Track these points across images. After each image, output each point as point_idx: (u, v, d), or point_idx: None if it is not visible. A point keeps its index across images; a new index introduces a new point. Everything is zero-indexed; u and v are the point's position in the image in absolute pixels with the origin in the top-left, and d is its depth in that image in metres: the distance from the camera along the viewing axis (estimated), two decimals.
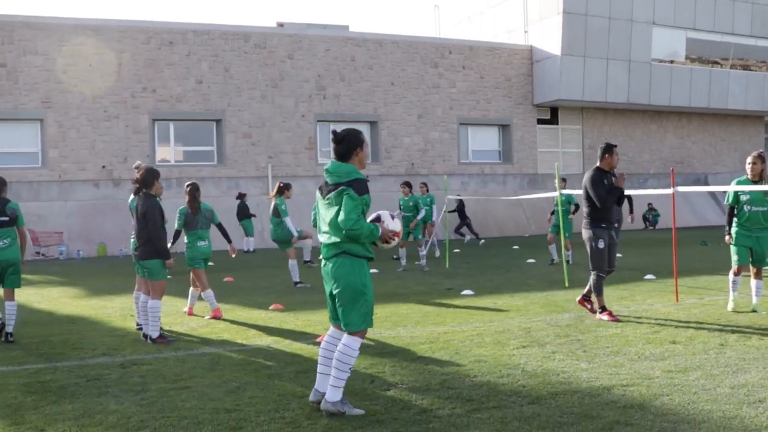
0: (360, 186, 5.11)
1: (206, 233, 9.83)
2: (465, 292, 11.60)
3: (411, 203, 15.74)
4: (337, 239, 5.17)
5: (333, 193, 5.15)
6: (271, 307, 10.45)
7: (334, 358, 5.17)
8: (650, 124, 34.44)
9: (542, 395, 5.61)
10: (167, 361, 7.09)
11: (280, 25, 29.24)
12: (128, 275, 14.76)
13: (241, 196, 23.26)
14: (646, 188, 33.16)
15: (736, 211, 9.22)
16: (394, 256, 18.83)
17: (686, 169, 35.14)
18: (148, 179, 8.09)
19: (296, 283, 13.00)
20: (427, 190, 19.01)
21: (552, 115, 33.21)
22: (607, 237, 8.94)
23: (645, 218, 31.81)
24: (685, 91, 32.98)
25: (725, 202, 9.52)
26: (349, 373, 5.17)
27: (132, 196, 8.99)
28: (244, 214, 23.01)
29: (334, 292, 5.22)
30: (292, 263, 13.06)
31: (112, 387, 6.09)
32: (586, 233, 9.03)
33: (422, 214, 15.61)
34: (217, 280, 14.43)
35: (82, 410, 5.41)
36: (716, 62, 34.01)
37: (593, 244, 8.89)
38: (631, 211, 16.57)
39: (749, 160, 9.17)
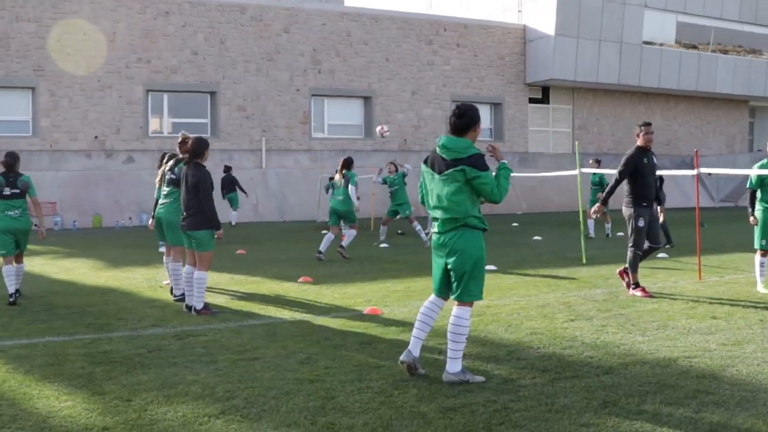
0: (480, 161, 5.20)
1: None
2: (488, 267, 11.64)
3: (396, 180, 16.32)
4: (455, 214, 5.25)
5: (452, 170, 5.19)
6: (300, 280, 10.44)
7: (449, 331, 5.30)
8: (639, 105, 34.74)
9: (613, 366, 5.72)
10: (222, 332, 7.07)
11: None
12: (137, 246, 14.70)
13: (227, 170, 22.73)
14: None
15: (759, 194, 9.40)
16: (399, 232, 18.87)
17: (672, 150, 35.55)
18: (199, 149, 8.01)
19: (319, 253, 13.04)
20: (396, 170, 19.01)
21: (543, 94, 33.34)
22: (648, 215, 9.03)
23: None
24: (675, 73, 33.28)
25: (747, 186, 9.71)
26: (465, 343, 5.31)
27: (166, 166, 8.99)
28: (229, 187, 22.40)
29: (451, 264, 5.29)
30: (351, 233, 13.24)
31: (178, 358, 6.06)
32: (627, 211, 9.13)
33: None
34: (229, 253, 14.39)
35: (159, 381, 5.38)
36: (705, 46, 34.33)
37: (635, 223, 8.97)
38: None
39: None
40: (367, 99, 29.56)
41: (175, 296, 8.81)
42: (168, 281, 9.61)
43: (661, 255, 13.25)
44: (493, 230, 19.65)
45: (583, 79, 31.62)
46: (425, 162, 5.48)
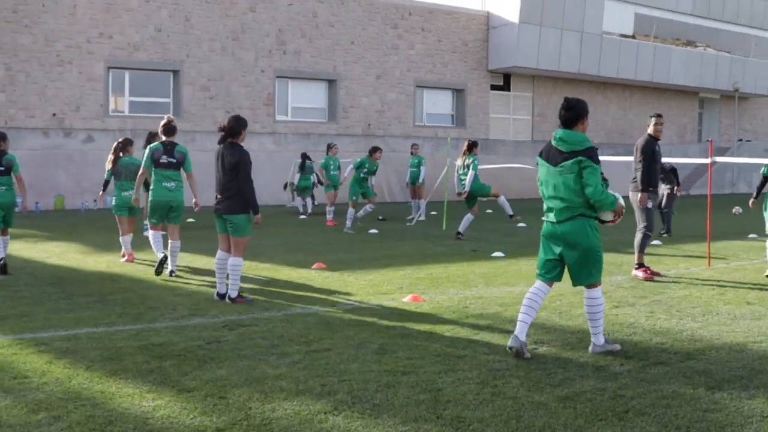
0: (595, 155, 5.48)
1: (131, 184, 10.40)
2: (496, 254, 11.60)
3: (375, 168, 16.54)
4: (571, 204, 5.50)
5: (569, 161, 5.46)
6: (314, 267, 10.14)
7: (586, 312, 5.67)
8: (596, 95, 35.22)
9: (690, 352, 5.76)
10: (271, 322, 6.75)
11: None
12: (114, 230, 14.18)
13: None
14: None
15: None
16: (380, 218, 18.66)
17: (627, 140, 36.21)
18: (237, 128, 7.64)
19: (511, 215, 14.40)
20: (418, 151, 19.00)
21: (504, 81, 33.46)
22: (654, 200, 9.72)
23: None
24: (632, 64, 33.85)
25: (761, 172, 10.15)
26: (603, 319, 5.67)
27: (159, 152, 9.22)
28: None
29: (570, 254, 5.54)
30: (469, 217, 13.75)
31: (244, 350, 5.74)
32: (634, 195, 9.56)
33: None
34: (213, 237, 13.93)
35: (241, 375, 5.07)
36: (660, 38, 35.02)
37: (644, 206, 9.40)
38: (678, 183, 15.44)
39: None
40: (331, 82, 29.11)
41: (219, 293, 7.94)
42: (126, 258, 10.61)
43: (655, 242, 13.41)
44: (477, 216, 19.77)
45: (545, 67, 31.85)
46: (540, 155, 5.75)
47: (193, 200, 9.61)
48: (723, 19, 36.55)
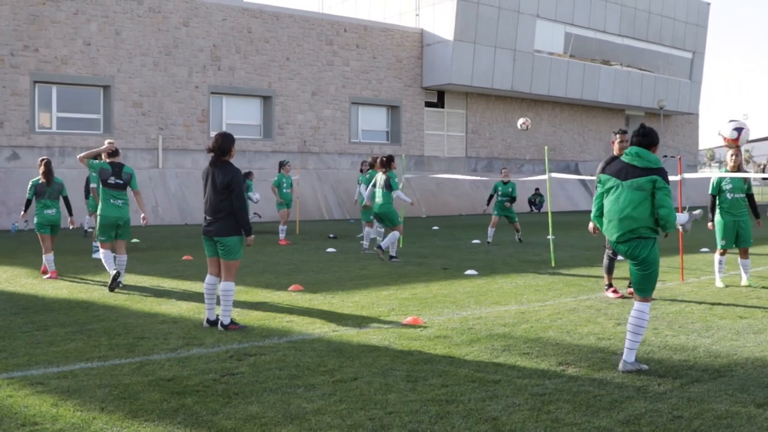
0: (667, 176, 5.68)
1: (55, 203, 11.10)
2: (469, 272, 11.47)
3: (291, 181, 16.39)
4: (636, 223, 5.62)
5: (643, 178, 5.60)
6: (290, 289, 9.75)
7: (630, 323, 5.67)
8: (527, 111, 35.92)
9: (717, 369, 5.76)
10: (277, 350, 6.37)
11: None
12: (56, 252, 13.41)
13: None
14: (523, 173, 34.67)
15: (718, 200, 10.07)
16: (330, 235, 18.31)
17: (557, 156, 37.06)
18: (226, 146, 7.21)
19: (392, 257, 12.99)
20: (369, 169, 18.70)
21: (439, 98, 33.74)
22: None
23: (531, 202, 33.18)
24: (562, 82, 34.71)
25: (710, 192, 10.23)
26: (642, 335, 5.70)
27: (106, 173, 9.93)
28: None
29: (635, 266, 5.73)
30: (395, 234, 12.89)
31: (265, 382, 5.35)
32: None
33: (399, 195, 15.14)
34: (172, 258, 13.37)
35: (278, 412, 4.69)
36: (589, 57, 36.05)
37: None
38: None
39: (730, 152, 9.98)
40: (266, 99, 28.66)
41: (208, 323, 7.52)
42: (48, 275, 10.77)
43: (621, 258, 13.56)
44: (421, 233, 19.70)
45: (479, 85, 32.26)
46: (604, 171, 5.88)
47: (142, 215, 10.24)
48: (648, 39, 37.99)
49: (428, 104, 33.30)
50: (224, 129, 27.98)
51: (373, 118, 32.28)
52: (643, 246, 5.64)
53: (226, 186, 7.08)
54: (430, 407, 4.75)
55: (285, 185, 17.22)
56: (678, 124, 43.17)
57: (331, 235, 18.32)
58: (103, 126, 24.76)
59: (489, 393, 5.06)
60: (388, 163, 13.11)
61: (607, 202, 5.78)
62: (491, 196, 17.15)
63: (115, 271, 9.51)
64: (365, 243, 14.87)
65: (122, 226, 10.02)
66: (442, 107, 33.90)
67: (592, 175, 34.57)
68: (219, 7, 26.83)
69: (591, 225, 7.71)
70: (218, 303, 7.51)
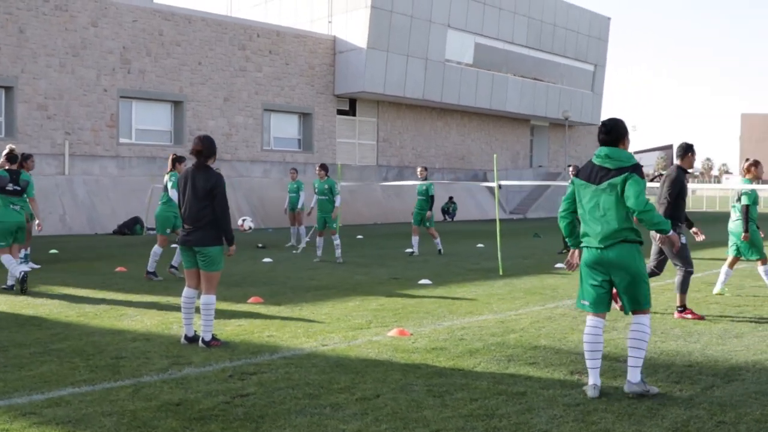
0: (641, 171, 5.24)
1: None
2: (423, 281, 11.38)
3: (326, 186, 14.63)
4: (617, 226, 5.19)
5: (617, 178, 5.17)
6: (250, 301, 9.36)
7: (632, 339, 5.24)
8: (437, 120, 36.38)
9: (725, 373, 5.93)
10: (274, 367, 6.02)
11: None
12: None
13: None
14: (433, 181, 34.94)
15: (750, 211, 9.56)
16: (259, 245, 17.80)
17: (466, 165, 37.70)
18: (211, 149, 6.80)
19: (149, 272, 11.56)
20: (296, 176, 18.40)
21: (350, 106, 33.64)
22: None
23: (444, 211, 33.50)
24: (472, 92, 35.35)
25: (746, 203, 9.59)
26: (645, 351, 5.28)
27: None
28: None
29: (619, 279, 5.23)
30: (157, 250, 11.35)
31: (286, 404, 5.02)
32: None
33: (338, 201, 14.75)
34: (105, 269, 12.62)
35: None
36: (499, 68, 36.89)
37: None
38: None
39: (749, 162, 9.83)
40: (177, 104, 27.71)
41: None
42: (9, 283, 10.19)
43: (558, 264, 13.85)
44: (352, 242, 19.47)
45: (392, 93, 32.38)
46: (576, 175, 5.48)
47: (36, 221, 10.79)
48: (553, 52, 39.28)
49: (340, 112, 33.14)
50: (133, 134, 26.87)
51: (285, 125, 31.82)
52: (629, 252, 5.18)
53: (209, 191, 6.68)
54: (475, 423, 4.59)
55: None
56: (580, 135, 44.87)
57: (260, 245, 17.84)
58: (5, 130, 23.20)
59: (523, 406, 4.95)
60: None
61: (584, 207, 5.33)
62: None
63: (22, 273, 9.80)
64: (338, 252, 14.47)
65: (20, 230, 10.30)
66: (354, 115, 33.82)
67: (500, 186, 35.43)
68: (129, 7, 25.73)
69: (570, 256, 5.75)
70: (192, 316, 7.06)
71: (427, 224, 15.98)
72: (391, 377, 5.70)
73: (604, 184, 5.21)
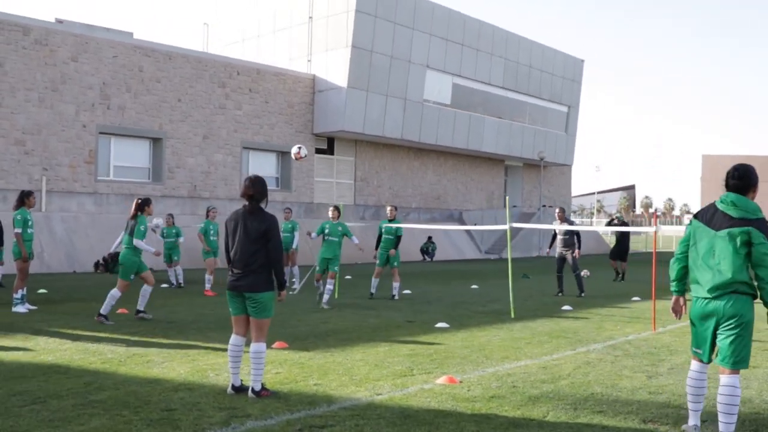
0: (766, 228, 5.00)
1: None
2: (440, 324, 11.20)
3: (339, 228, 14.13)
4: (730, 277, 4.99)
5: (737, 229, 5.00)
6: (274, 346, 9.05)
7: (722, 403, 5.00)
8: (414, 160, 36.49)
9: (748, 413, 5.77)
10: (339, 419, 5.76)
11: (60, 21, 25.69)
12: None
13: None
14: (409, 221, 34.95)
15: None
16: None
17: (442, 205, 37.79)
18: (263, 191, 6.59)
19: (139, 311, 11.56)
20: (290, 216, 18.15)
21: (329, 145, 33.57)
22: None
23: (423, 251, 33.37)
24: (449, 132, 35.60)
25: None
26: (737, 414, 5.05)
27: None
28: None
29: (726, 329, 5.06)
30: (115, 294, 11.18)
31: None
32: None
33: (356, 240, 14.39)
34: (77, 309, 12.14)
35: None
36: (475, 109, 37.25)
37: None
38: (579, 247, 15.84)
39: None
40: (156, 140, 27.32)
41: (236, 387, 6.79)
42: None
43: (565, 307, 13.80)
44: (344, 283, 19.17)
45: (371, 132, 32.42)
46: (696, 216, 5.28)
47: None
48: (528, 93, 39.86)
49: (318, 151, 33.04)
50: (111, 171, 26.35)
51: (264, 163, 31.57)
52: (741, 303, 4.96)
53: (263, 234, 6.45)
54: None
55: (212, 232, 16.31)
56: (554, 175, 45.41)
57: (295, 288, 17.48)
58: None
59: None
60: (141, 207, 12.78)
61: (698, 252, 5.16)
62: (379, 237, 15.50)
63: None
64: (326, 297, 13.65)
65: None
66: (332, 154, 33.75)
67: (475, 225, 35.41)
68: (110, 43, 25.42)
69: (675, 303, 5.50)
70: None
71: (395, 264, 15.40)
72: (468, 428, 5.50)
73: (723, 232, 5.04)
